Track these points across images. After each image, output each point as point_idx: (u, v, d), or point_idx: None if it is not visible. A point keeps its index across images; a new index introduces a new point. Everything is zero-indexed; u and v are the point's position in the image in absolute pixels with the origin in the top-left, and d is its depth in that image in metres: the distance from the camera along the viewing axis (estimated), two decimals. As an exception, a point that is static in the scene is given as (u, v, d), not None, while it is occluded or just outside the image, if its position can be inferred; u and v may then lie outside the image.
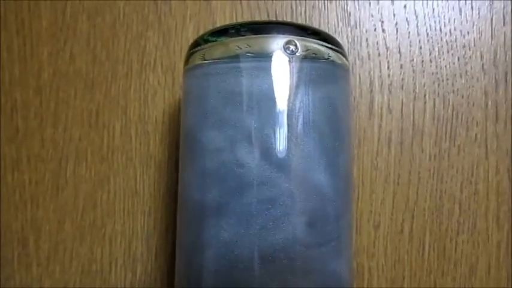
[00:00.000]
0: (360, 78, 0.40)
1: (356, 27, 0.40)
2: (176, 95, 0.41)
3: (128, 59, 0.41)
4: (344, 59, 0.33)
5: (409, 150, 0.39)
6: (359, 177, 0.39)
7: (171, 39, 0.41)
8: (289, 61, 0.30)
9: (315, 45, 0.31)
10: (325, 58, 0.32)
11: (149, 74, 0.41)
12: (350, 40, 0.40)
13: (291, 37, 0.30)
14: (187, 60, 0.33)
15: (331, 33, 0.40)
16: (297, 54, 0.30)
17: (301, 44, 0.30)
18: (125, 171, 0.40)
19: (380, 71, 0.40)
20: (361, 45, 0.40)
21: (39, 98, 0.41)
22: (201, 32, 0.41)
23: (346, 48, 0.40)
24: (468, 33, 0.40)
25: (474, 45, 0.40)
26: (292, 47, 0.30)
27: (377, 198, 0.39)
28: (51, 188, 0.40)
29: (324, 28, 0.40)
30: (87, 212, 0.40)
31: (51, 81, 0.41)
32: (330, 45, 0.32)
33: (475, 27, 0.40)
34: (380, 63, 0.40)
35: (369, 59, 0.40)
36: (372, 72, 0.40)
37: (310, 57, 0.31)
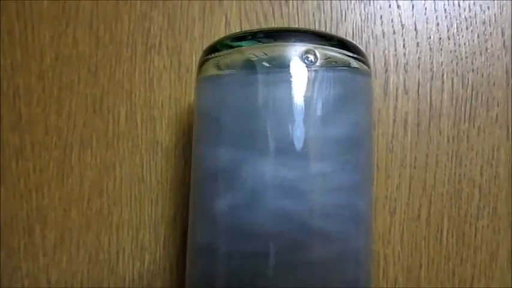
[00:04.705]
0: (374, 57, 0.38)
1: (370, 4, 0.38)
2: (182, 78, 0.39)
3: (132, 41, 0.40)
4: (366, 67, 0.31)
5: (426, 132, 0.37)
6: (374, 161, 0.37)
7: (176, 20, 0.40)
8: (308, 71, 0.28)
9: (334, 53, 0.30)
10: (346, 67, 0.30)
11: (154, 56, 0.39)
12: (363, 17, 0.38)
13: (309, 45, 0.29)
14: (200, 68, 0.32)
15: (343, 10, 0.38)
16: (316, 63, 0.29)
17: (320, 52, 0.29)
18: (131, 157, 0.39)
19: (395, 50, 0.38)
20: (375, 22, 0.38)
21: (42, 83, 0.40)
22: (207, 13, 0.39)
23: (359, 27, 0.38)
24: (488, 8, 0.38)
25: (495, 21, 0.38)
26: (311, 56, 0.29)
27: (393, 183, 0.37)
28: (56, 175, 0.40)
29: (336, 5, 0.39)
30: (93, 200, 0.39)
31: (53, 66, 0.40)
32: (351, 54, 0.30)
33: (495, 1, 0.38)
34: (395, 41, 0.38)
35: (384, 37, 0.38)
36: (386, 51, 0.38)
37: (330, 66, 0.29)
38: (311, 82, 0.28)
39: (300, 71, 0.29)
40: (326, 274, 0.29)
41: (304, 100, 0.28)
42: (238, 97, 0.29)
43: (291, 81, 0.28)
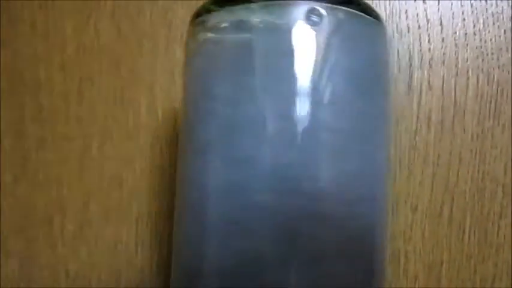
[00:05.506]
0: (398, 52, 0.38)
1: (394, -2, 0.38)
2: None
3: (153, 33, 0.40)
4: (381, 29, 0.29)
5: (450, 129, 0.37)
6: (396, 157, 0.37)
7: (198, 12, 0.40)
8: (313, 35, 0.25)
9: (345, 14, 0.27)
10: (357, 32, 0.27)
11: (176, 48, 0.39)
12: (388, 12, 0.38)
13: (314, 4, 0.26)
14: (189, 35, 0.29)
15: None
16: (323, 26, 0.26)
17: (327, 13, 0.26)
18: (151, 149, 0.39)
19: (420, 45, 0.38)
20: (400, 17, 0.38)
21: (63, 74, 0.41)
22: (230, 5, 0.39)
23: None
24: (516, 4, 0.37)
25: (522, 16, 0.37)
26: (315, 17, 0.26)
27: (415, 180, 0.37)
28: (76, 166, 0.40)
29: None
30: (112, 192, 0.39)
31: (75, 57, 0.41)
32: (363, 15, 0.28)
33: (523, -3, 0.37)
34: (420, 36, 0.38)
35: (408, 32, 0.38)
36: (411, 46, 0.38)
37: (338, 30, 0.26)
38: (317, 47, 0.25)
39: (303, 34, 0.25)
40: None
41: (309, 68, 0.25)
42: (230, 65, 0.27)
43: (292, 45, 0.25)
